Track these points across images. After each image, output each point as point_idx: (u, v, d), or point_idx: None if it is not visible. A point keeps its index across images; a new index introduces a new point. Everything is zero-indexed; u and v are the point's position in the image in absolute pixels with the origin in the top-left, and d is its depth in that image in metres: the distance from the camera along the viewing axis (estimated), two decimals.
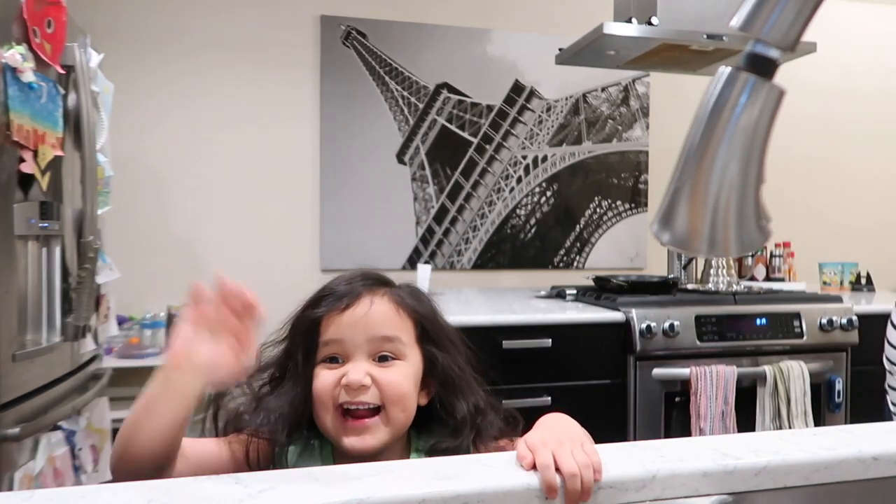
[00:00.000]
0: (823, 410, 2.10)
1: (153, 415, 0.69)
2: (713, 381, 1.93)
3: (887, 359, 1.44)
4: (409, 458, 0.86)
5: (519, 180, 3.43)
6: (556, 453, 0.64)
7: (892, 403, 1.45)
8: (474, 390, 0.88)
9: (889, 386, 1.46)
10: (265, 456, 0.82)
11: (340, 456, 0.83)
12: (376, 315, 0.82)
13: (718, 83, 0.47)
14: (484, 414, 0.86)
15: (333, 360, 0.82)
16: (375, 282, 0.86)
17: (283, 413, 0.81)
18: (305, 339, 0.83)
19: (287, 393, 0.82)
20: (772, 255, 2.86)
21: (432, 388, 0.87)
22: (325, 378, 0.81)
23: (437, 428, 0.87)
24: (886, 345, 1.44)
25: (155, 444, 0.70)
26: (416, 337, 0.85)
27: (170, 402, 0.69)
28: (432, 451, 0.85)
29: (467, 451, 0.85)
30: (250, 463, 0.81)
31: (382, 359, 0.82)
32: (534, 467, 0.64)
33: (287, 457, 0.83)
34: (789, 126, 3.55)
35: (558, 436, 0.68)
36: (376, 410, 0.80)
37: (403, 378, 0.82)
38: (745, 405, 1.99)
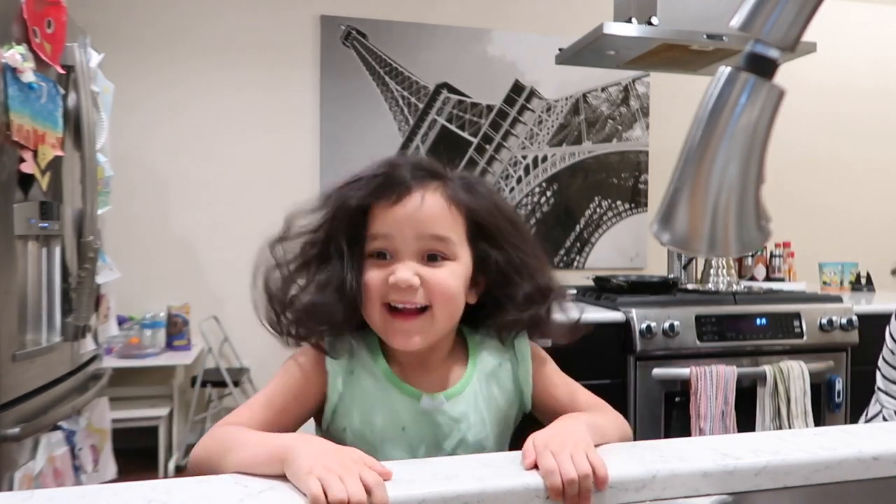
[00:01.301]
0: (823, 410, 2.10)
1: (254, 470, 0.66)
2: (713, 381, 1.93)
3: (891, 334, 1.44)
4: (466, 353, 0.86)
5: (519, 180, 3.44)
6: (557, 457, 0.64)
7: (885, 377, 1.45)
8: (535, 274, 0.84)
9: (884, 359, 1.46)
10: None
11: (389, 348, 0.83)
12: (427, 212, 0.78)
13: (718, 83, 0.47)
14: (544, 293, 0.84)
15: (381, 255, 0.79)
16: (428, 173, 0.81)
17: (337, 299, 0.79)
18: (350, 226, 0.80)
19: (336, 279, 0.79)
20: (772, 255, 2.86)
21: (482, 286, 0.84)
22: (373, 275, 0.79)
23: (490, 320, 0.85)
24: (893, 319, 1.44)
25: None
26: (467, 235, 0.82)
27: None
28: (500, 329, 0.84)
29: (533, 327, 0.85)
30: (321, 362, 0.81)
31: (432, 258, 0.79)
32: (534, 467, 0.65)
33: (343, 356, 0.82)
34: (789, 125, 3.55)
35: (563, 439, 0.67)
36: (423, 309, 0.79)
37: (453, 278, 0.79)
38: (745, 405, 1.99)
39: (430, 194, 0.79)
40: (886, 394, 1.45)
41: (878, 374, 1.48)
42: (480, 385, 0.85)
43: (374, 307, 0.79)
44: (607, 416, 0.84)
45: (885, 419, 1.45)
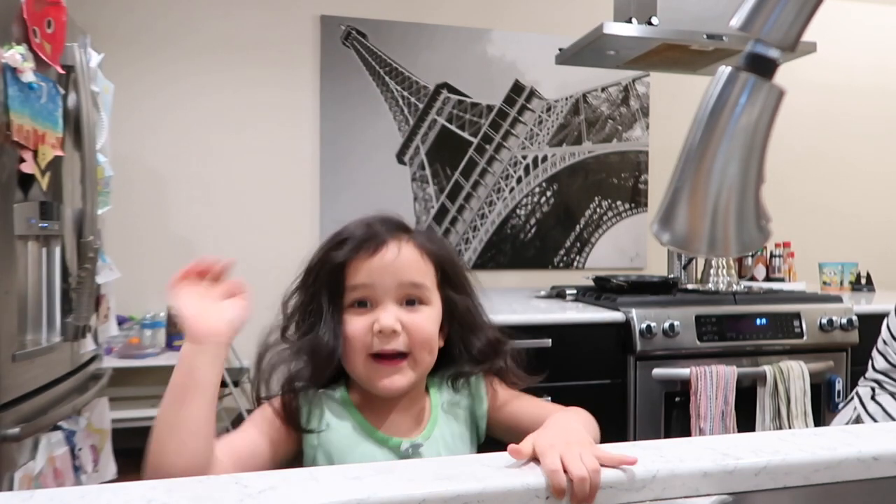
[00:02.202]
0: (823, 410, 2.10)
1: (188, 406, 0.70)
2: (713, 381, 1.93)
3: (888, 328, 1.44)
4: (427, 394, 0.91)
5: (519, 180, 3.43)
6: (564, 456, 0.64)
7: (874, 369, 1.45)
8: (487, 327, 0.93)
9: (878, 350, 1.47)
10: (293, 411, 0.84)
11: (364, 397, 0.86)
12: (404, 261, 0.84)
13: (718, 83, 0.47)
14: (498, 346, 0.92)
15: (362, 304, 0.84)
16: (397, 227, 0.88)
17: (315, 355, 0.83)
18: (330, 282, 0.84)
19: (316, 336, 0.83)
20: (772, 255, 2.86)
21: (446, 331, 0.90)
22: (356, 324, 0.83)
23: (449, 364, 0.91)
24: (892, 313, 1.44)
25: (198, 440, 0.70)
26: (437, 282, 0.88)
27: (203, 384, 0.70)
28: (455, 377, 0.90)
29: (498, 376, 0.92)
30: (286, 420, 0.83)
31: (409, 303, 0.85)
32: (534, 462, 0.65)
33: (310, 404, 0.85)
34: (789, 125, 3.55)
35: (567, 438, 0.68)
36: (405, 354, 0.83)
37: (430, 322, 0.85)
38: (745, 405, 1.99)
39: (405, 245, 0.86)
40: (887, 376, 1.43)
41: (872, 365, 1.47)
42: (445, 423, 0.89)
43: (359, 357, 0.83)
44: (582, 418, 0.86)
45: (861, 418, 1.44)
